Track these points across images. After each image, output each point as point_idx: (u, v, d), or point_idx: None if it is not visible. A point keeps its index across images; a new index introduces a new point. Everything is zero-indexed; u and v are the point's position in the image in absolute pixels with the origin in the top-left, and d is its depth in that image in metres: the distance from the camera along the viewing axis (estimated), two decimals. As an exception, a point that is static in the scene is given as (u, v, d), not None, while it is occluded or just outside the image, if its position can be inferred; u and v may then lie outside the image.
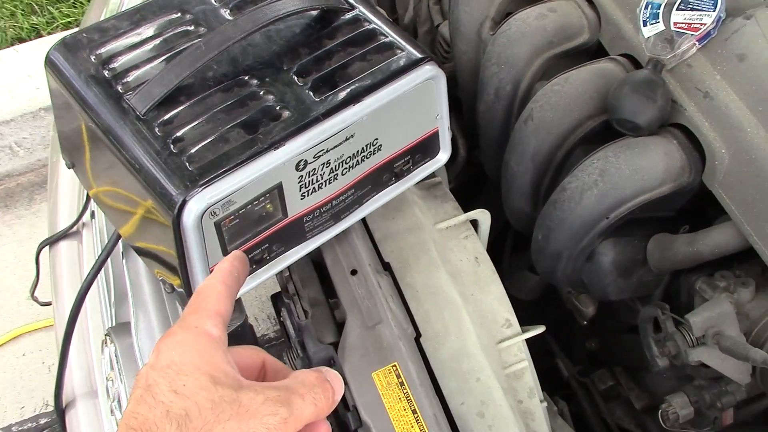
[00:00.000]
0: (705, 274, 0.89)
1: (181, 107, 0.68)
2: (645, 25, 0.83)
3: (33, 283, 1.26)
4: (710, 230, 0.84)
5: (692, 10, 0.81)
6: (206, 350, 0.49)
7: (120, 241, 0.83)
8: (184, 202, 0.62)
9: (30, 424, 1.88)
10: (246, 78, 0.71)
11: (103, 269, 0.88)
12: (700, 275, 0.89)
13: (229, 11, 0.77)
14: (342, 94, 0.70)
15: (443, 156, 0.83)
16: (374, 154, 0.75)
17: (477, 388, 0.77)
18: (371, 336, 0.75)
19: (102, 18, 1.32)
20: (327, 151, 0.69)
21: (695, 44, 0.81)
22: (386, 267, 0.84)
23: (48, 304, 1.26)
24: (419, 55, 0.73)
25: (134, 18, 0.77)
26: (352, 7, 0.78)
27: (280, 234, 0.71)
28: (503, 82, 0.96)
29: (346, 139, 0.70)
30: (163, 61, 0.72)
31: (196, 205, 0.62)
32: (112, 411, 0.89)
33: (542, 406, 0.83)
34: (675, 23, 0.82)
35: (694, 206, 0.90)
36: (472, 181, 1.27)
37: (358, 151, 0.73)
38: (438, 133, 0.80)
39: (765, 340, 0.82)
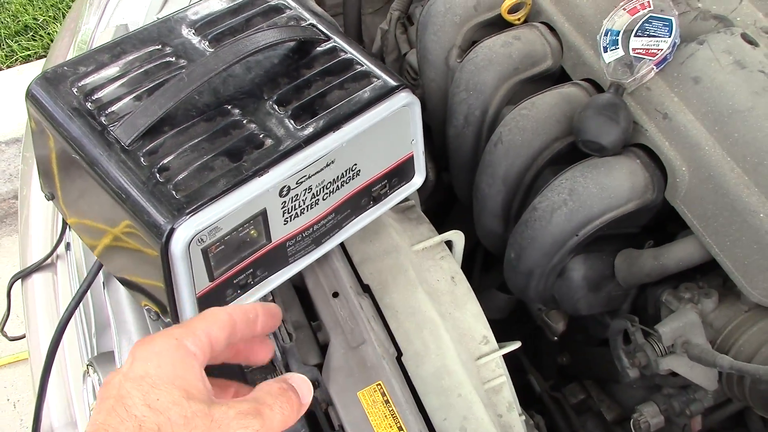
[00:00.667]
0: (670, 286, 0.93)
1: (166, 137, 0.69)
2: (605, 51, 0.88)
3: (3, 317, 1.24)
4: (674, 244, 0.88)
5: (649, 36, 0.86)
6: (181, 365, 0.49)
7: (101, 270, 0.83)
8: (172, 230, 0.63)
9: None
10: (228, 107, 0.73)
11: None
12: (666, 288, 0.93)
13: (207, 43, 0.79)
14: (322, 122, 0.72)
15: (418, 179, 0.85)
16: (353, 179, 0.77)
17: (458, 403, 0.79)
18: (355, 356, 0.76)
19: (71, 49, 1.32)
20: (309, 177, 0.71)
21: (653, 68, 0.85)
22: (365, 289, 0.86)
23: (19, 338, 1.24)
24: (394, 83, 0.76)
25: (115, 51, 0.78)
26: (328, 38, 0.81)
27: (264, 259, 0.73)
28: (472, 107, 0.99)
29: (327, 165, 0.72)
30: (145, 92, 0.73)
31: (184, 232, 0.64)
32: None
33: (521, 420, 0.85)
34: (633, 49, 0.86)
35: (658, 222, 0.94)
36: (442, 203, 1.30)
37: (338, 177, 0.75)
38: (413, 158, 0.83)
39: (730, 348, 0.85)
